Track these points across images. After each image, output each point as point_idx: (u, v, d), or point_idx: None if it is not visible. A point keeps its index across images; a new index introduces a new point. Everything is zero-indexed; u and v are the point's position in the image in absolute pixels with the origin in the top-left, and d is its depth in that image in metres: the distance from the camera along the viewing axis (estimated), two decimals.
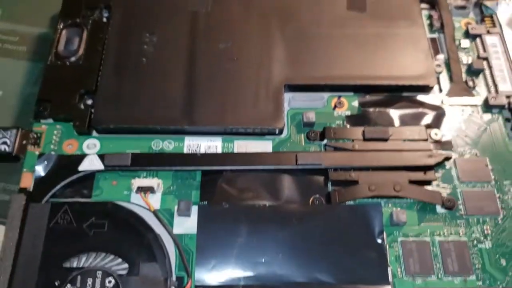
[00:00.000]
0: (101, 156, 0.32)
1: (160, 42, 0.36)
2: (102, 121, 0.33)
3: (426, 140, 0.33)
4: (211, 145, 0.33)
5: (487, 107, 0.35)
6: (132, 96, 0.34)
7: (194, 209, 0.31)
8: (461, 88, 0.36)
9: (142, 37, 0.37)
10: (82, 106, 0.34)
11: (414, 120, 0.34)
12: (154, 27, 0.37)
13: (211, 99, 0.34)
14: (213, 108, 0.34)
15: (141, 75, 0.35)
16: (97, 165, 0.32)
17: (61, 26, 0.38)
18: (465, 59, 0.37)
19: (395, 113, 0.35)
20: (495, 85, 0.36)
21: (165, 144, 0.33)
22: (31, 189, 0.31)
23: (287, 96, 0.35)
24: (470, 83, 0.36)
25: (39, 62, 0.39)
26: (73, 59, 0.36)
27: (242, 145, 0.33)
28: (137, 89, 0.34)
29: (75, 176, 0.32)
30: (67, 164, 0.32)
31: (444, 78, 0.36)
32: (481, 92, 0.36)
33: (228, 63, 0.36)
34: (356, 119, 0.35)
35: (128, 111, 0.33)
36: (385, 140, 0.33)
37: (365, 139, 0.33)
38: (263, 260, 0.29)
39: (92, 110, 0.34)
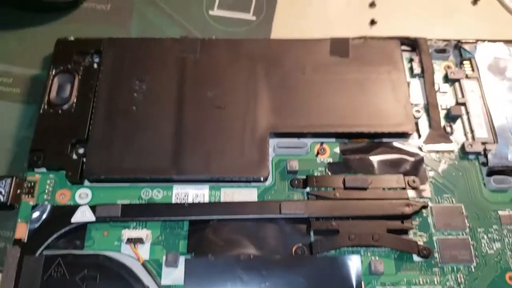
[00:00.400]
0: (93, 207, 0.33)
1: (149, 89, 0.38)
2: (93, 172, 0.35)
3: (404, 188, 0.35)
4: (199, 193, 0.35)
5: (464, 153, 0.37)
6: (122, 146, 0.35)
7: (182, 260, 0.32)
8: (439, 135, 0.37)
9: (132, 84, 0.38)
10: (74, 156, 0.36)
11: (394, 166, 0.36)
12: (144, 74, 0.38)
13: (199, 148, 0.35)
14: (200, 157, 0.35)
15: (131, 124, 0.36)
16: (89, 216, 0.33)
17: (53, 73, 0.39)
18: (444, 103, 0.39)
19: (375, 160, 0.36)
20: (472, 131, 0.37)
21: (154, 193, 0.35)
22: (25, 240, 0.33)
23: (272, 142, 0.36)
24: (448, 129, 0.37)
25: (33, 104, 0.40)
26: (65, 106, 0.37)
27: (229, 193, 0.35)
28: (127, 139, 0.36)
29: (67, 228, 0.33)
30: (60, 215, 0.33)
31: (423, 123, 0.38)
32: (458, 138, 0.37)
33: (216, 111, 0.37)
34: (338, 166, 0.36)
35: (118, 162, 0.35)
36: (365, 189, 0.34)
37: (345, 188, 0.34)
38: None
39: (84, 160, 0.35)
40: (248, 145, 0.36)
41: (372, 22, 0.45)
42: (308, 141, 0.37)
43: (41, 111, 0.37)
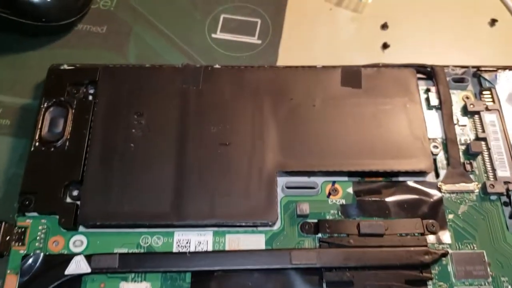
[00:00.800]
0: (88, 257, 0.31)
1: (148, 125, 0.35)
2: (89, 219, 0.32)
3: (423, 233, 0.32)
4: (202, 240, 0.32)
5: (485, 194, 0.34)
6: (119, 189, 0.33)
7: None
8: (459, 173, 0.35)
9: (130, 119, 0.35)
10: (68, 199, 0.33)
11: (411, 209, 0.34)
12: (143, 107, 0.36)
13: (202, 190, 0.33)
14: (203, 200, 0.33)
15: (129, 163, 0.34)
16: (84, 268, 0.31)
17: (45, 106, 0.36)
18: (463, 138, 0.36)
19: (390, 202, 0.34)
20: (494, 170, 0.35)
21: (154, 240, 0.32)
22: None
23: (281, 180, 0.34)
24: (468, 167, 0.35)
25: (23, 138, 0.37)
26: (58, 143, 0.35)
27: (234, 239, 0.33)
28: (124, 181, 0.33)
29: (61, 280, 0.31)
30: (52, 265, 0.31)
31: (441, 159, 0.35)
32: (479, 177, 0.35)
33: (220, 148, 0.34)
34: (351, 209, 0.34)
35: (115, 207, 0.32)
36: (381, 235, 0.32)
37: (360, 234, 0.32)
38: None
39: (78, 203, 0.33)
40: (255, 186, 0.33)
41: (385, 46, 0.42)
42: (319, 180, 0.34)
43: (32, 149, 0.35)
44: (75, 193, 0.33)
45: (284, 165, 0.34)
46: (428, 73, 0.38)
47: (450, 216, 0.34)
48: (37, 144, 0.35)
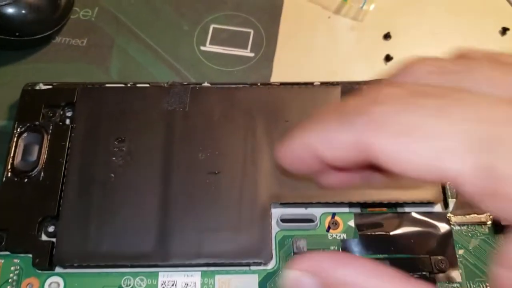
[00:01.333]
0: None
1: (131, 152, 0.32)
2: (66, 259, 0.29)
3: (431, 272, 0.30)
4: (189, 281, 0.30)
5: (497, 225, 0.31)
6: (99, 225, 0.30)
7: None
8: (469, 203, 0.32)
9: (110, 145, 0.32)
10: (43, 236, 0.30)
11: (418, 243, 0.31)
12: (124, 133, 0.33)
13: (188, 226, 0.30)
14: (190, 238, 0.30)
15: (109, 196, 0.31)
16: None
17: (18, 131, 0.33)
18: None
19: (396, 236, 0.31)
20: None
21: (136, 282, 0.30)
22: None
23: (275, 212, 0.31)
24: None
25: None
26: (32, 173, 0.32)
27: (224, 281, 0.30)
28: (104, 216, 0.30)
29: None
30: None
31: (450, 188, 0.33)
32: None
33: (209, 178, 0.31)
34: (353, 245, 0.31)
35: (94, 246, 0.30)
36: None
37: None
38: None
39: (54, 240, 0.30)
40: (247, 220, 0.30)
41: (388, 58, 0.39)
42: (318, 211, 0.32)
43: (3, 179, 0.32)
44: (51, 229, 0.31)
45: (279, 196, 0.31)
46: None
47: (460, 252, 0.31)
48: (9, 174, 0.32)
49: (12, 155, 0.32)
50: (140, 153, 0.32)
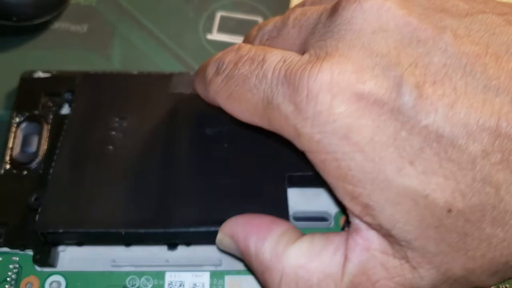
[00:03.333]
0: None
1: (132, 127, 0.30)
2: (49, 224, 0.26)
3: None
4: (197, 282, 0.28)
5: None
6: (91, 194, 0.28)
7: None
8: None
9: (110, 122, 0.30)
10: None
11: None
12: (126, 112, 0.31)
13: (192, 193, 0.28)
14: (194, 205, 0.27)
15: (105, 166, 0.29)
16: None
17: (16, 121, 0.31)
18: None
19: None
20: None
21: (142, 282, 0.28)
22: None
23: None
24: None
25: None
26: (32, 165, 0.30)
27: (235, 282, 0.28)
28: (99, 184, 0.28)
29: None
30: None
31: None
32: None
33: (217, 151, 0.29)
34: None
35: (84, 211, 0.27)
36: None
37: None
38: None
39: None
40: (259, 189, 0.28)
41: None
42: (332, 210, 0.30)
43: (1, 172, 0.30)
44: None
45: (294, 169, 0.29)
46: None
47: None
48: (7, 166, 0.30)
49: (10, 146, 0.31)
50: (142, 127, 0.30)
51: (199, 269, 0.28)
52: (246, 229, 0.24)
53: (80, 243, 0.28)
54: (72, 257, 0.29)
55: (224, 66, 0.23)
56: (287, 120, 0.20)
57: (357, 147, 0.19)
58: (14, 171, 0.30)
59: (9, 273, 0.28)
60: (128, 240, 0.28)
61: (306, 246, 0.22)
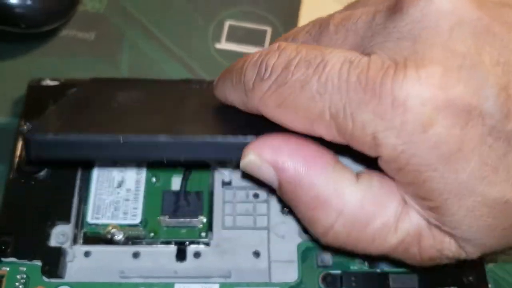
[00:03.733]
0: None
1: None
2: (38, 132, 0.22)
3: (460, 286, 0.29)
4: None
5: None
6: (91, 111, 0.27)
7: None
8: None
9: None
10: (52, 242, 0.29)
11: None
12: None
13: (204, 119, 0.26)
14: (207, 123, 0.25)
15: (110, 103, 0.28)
16: None
17: (25, 129, 0.31)
18: None
19: None
20: None
21: None
22: None
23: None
24: None
25: (1, 163, 0.32)
26: (41, 174, 0.30)
27: None
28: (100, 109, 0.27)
29: None
30: None
31: None
32: None
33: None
34: (378, 258, 0.29)
35: (80, 121, 0.25)
36: None
37: None
38: None
39: (64, 246, 0.28)
40: None
41: None
42: None
43: (9, 180, 0.30)
44: (60, 237, 0.29)
45: None
46: None
47: (490, 265, 0.30)
48: (15, 175, 0.30)
49: (18, 154, 0.30)
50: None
51: (208, 281, 0.28)
52: (295, 158, 0.21)
53: (68, 162, 0.27)
54: (80, 267, 0.29)
55: (270, 70, 0.20)
56: (364, 130, 0.18)
57: (443, 158, 0.18)
58: (22, 180, 0.30)
59: (17, 284, 0.28)
60: (126, 154, 0.22)
61: (365, 187, 0.21)
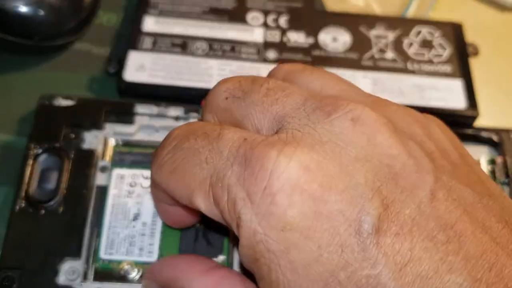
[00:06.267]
0: None
1: None
2: None
3: None
4: None
5: None
6: None
7: None
8: None
9: None
10: (61, 278, 0.26)
11: None
12: None
13: None
14: None
15: None
16: None
17: (33, 153, 0.29)
18: None
19: None
20: None
21: None
22: None
23: None
24: None
25: (3, 185, 0.30)
26: (50, 204, 0.28)
27: None
28: None
29: None
30: None
31: None
32: None
33: None
34: None
35: None
36: None
37: None
38: None
39: (76, 283, 0.26)
40: None
41: None
42: None
43: (16, 209, 0.28)
44: (70, 274, 0.27)
45: None
46: (495, 143, 0.33)
47: None
48: (22, 204, 0.28)
49: (26, 181, 0.28)
50: None
51: None
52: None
53: None
54: None
55: (171, 139, 0.21)
56: (234, 206, 0.18)
57: (293, 266, 0.17)
58: (30, 210, 0.28)
59: None
60: None
61: None
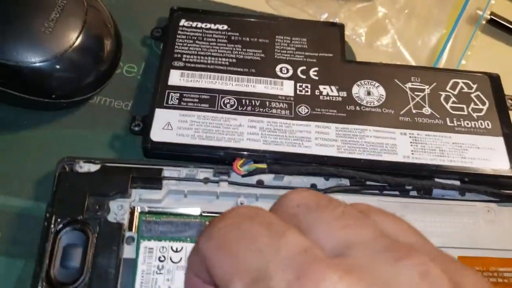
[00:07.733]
0: None
1: None
2: None
3: None
4: None
5: None
6: None
7: None
8: None
9: None
10: None
11: None
12: None
13: None
14: None
15: None
16: None
17: (55, 229, 0.27)
18: None
19: None
20: None
21: None
22: None
23: None
24: None
25: (20, 258, 0.28)
26: (75, 286, 0.25)
27: None
28: None
29: None
30: None
31: None
32: None
33: None
34: None
35: None
36: None
37: None
38: None
39: None
40: None
41: None
42: None
43: None
44: None
45: None
46: None
47: None
48: (44, 285, 0.25)
49: (47, 260, 0.26)
50: None
51: None
52: None
53: None
54: None
55: (234, 213, 0.20)
56: None
57: None
58: None
59: None
60: None
61: None
